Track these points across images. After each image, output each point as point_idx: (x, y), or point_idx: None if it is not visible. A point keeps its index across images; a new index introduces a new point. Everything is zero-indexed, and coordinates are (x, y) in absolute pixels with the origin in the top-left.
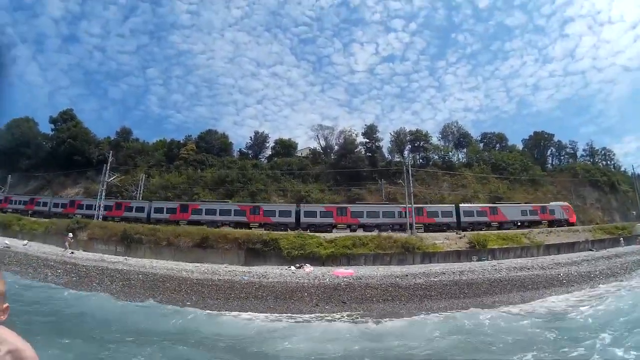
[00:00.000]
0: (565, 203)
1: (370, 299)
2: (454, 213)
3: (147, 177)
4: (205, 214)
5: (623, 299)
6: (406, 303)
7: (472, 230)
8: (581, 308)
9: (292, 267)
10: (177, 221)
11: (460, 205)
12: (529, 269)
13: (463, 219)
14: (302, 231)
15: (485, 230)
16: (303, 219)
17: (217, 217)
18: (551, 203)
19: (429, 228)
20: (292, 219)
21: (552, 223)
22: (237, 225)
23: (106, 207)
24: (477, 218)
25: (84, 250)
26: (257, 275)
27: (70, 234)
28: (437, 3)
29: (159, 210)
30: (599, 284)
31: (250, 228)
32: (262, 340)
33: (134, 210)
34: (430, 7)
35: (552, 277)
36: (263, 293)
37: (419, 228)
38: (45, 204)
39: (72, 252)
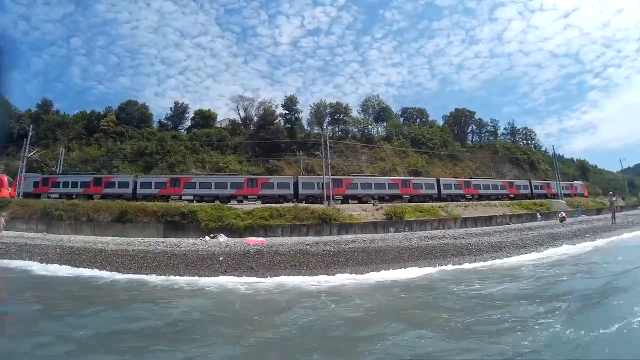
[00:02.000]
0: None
1: (278, 264)
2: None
3: (67, 150)
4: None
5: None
6: (313, 269)
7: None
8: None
9: (207, 237)
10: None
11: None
12: (439, 238)
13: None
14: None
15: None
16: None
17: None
18: (574, 182)
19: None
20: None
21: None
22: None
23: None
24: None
25: (4, 230)
26: (171, 245)
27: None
28: None
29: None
30: (507, 255)
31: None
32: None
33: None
34: None
35: (461, 246)
36: (175, 261)
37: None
38: None
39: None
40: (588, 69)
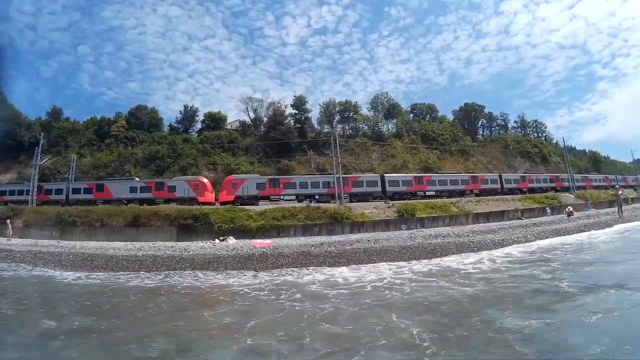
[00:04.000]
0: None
1: (280, 266)
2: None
3: (79, 157)
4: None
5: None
6: (314, 269)
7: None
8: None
9: (216, 240)
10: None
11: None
12: (444, 236)
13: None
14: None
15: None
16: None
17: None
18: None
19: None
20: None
21: None
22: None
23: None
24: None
25: (19, 237)
26: (179, 250)
27: (8, 221)
28: None
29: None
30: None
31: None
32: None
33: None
34: None
35: (463, 244)
36: (182, 265)
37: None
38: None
39: (9, 240)
40: (596, 59)
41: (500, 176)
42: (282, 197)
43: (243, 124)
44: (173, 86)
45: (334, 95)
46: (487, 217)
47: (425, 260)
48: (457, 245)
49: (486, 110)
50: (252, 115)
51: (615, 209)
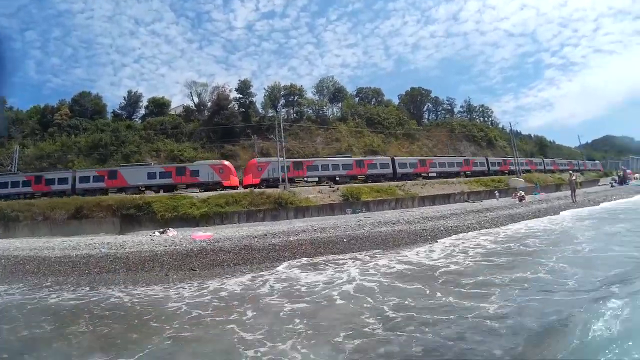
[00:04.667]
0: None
1: (221, 264)
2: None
3: (22, 147)
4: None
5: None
6: (259, 264)
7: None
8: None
9: (156, 232)
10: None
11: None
12: (394, 223)
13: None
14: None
15: None
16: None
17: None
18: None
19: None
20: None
21: None
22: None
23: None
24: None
25: None
26: (115, 246)
27: None
28: None
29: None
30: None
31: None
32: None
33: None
34: None
35: (416, 232)
36: (116, 266)
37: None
38: None
39: None
40: (545, 47)
41: (486, 159)
42: (305, 179)
43: (187, 109)
44: (119, 72)
45: (280, 79)
46: (433, 200)
47: (380, 252)
48: (410, 233)
49: (432, 95)
50: (196, 100)
51: (565, 192)
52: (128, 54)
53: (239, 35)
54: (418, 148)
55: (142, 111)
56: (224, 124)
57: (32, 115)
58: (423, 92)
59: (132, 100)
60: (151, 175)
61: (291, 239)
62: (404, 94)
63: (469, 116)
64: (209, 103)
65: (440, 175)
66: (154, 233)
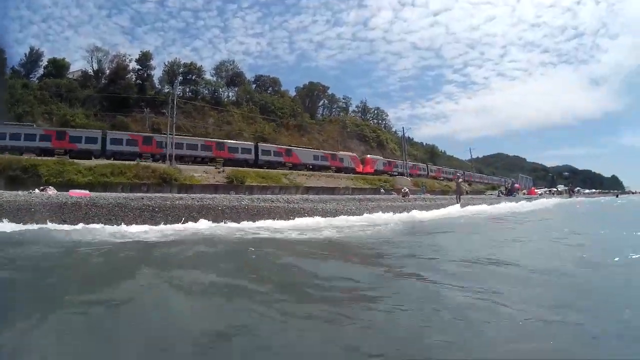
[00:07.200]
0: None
1: (92, 217)
2: None
3: None
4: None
5: None
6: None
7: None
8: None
9: (36, 190)
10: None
11: None
12: (273, 201)
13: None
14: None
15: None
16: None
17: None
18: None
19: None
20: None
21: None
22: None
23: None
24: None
25: None
26: None
27: None
28: None
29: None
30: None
31: None
32: None
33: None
34: None
35: (294, 209)
36: None
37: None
38: None
39: None
40: (448, 64)
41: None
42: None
43: (85, 74)
44: (25, 29)
45: (182, 58)
46: (318, 192)
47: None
48: (287, 210)
49: (329, 92)
50: (95, 66)
51: (451, 197)
52: (38, 11)
53: (150, 9)
54: (308, 141)
55: (41, 71)
56: (118, 93)
57: None
58: (321, 87)
59: (33, 59)
60: (316, 157)
61: (167, 203)
62: (301, 87)
63: (363, 116)
64: (107, 71)
65: (306, 167)
66: (33, 190)
